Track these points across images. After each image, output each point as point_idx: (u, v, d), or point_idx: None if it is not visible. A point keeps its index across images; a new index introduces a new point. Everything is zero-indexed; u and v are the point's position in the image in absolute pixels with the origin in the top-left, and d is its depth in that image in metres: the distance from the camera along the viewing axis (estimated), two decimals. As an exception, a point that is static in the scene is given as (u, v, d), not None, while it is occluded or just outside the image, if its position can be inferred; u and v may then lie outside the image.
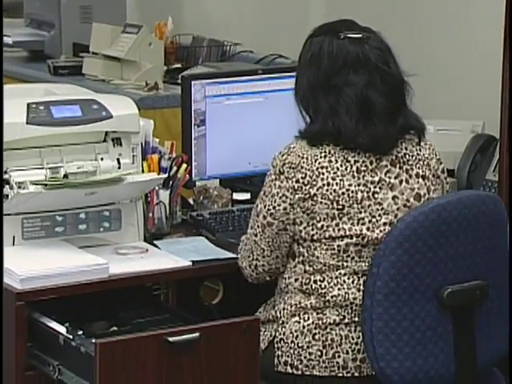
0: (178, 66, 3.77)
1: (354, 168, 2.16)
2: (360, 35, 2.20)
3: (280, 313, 2.21)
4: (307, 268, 2.18)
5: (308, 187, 2.15)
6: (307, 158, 2.16)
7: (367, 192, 2.16)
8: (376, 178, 2.17)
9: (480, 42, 3.11)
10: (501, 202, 2.24)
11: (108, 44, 3.69)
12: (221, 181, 2.77)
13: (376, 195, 2.17)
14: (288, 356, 2.18)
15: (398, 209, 2.18)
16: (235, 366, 2.11)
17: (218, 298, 2.47)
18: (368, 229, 2.16)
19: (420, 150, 2.23)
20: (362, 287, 2.16)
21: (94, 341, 2.06)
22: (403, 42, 3.48)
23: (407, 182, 2.20)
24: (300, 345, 2.17)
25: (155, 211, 2.54)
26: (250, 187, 2.78)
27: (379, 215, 2.17)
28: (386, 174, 2.18)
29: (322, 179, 2.15)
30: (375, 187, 2.17)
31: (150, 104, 3.41)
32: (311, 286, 2.18)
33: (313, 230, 2.16)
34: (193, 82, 2.71)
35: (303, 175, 2.16)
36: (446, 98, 3.29)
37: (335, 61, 2.17)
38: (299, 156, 2.16)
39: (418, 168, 2.21)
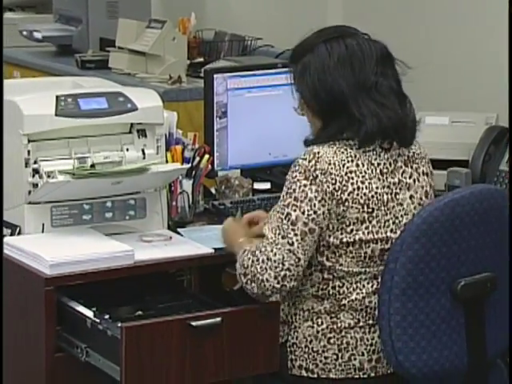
0: (201, 60, 3.76)
1: (378, 170, 2.13)
2: (367, 35, 2.17)
3: (291, 318, 2.16)
4: (326, 276, 2.13)
5: (339, 193, 2.09)
6: (335, 164, 2.09)
7: (390, 194, 2.13)
8: (396, 179, 2.15)
9: (495, 36, 3.09)
10: (507, 195, 2.22)
11: (133, 39, 3.69)
12: (242, 171, 2.77)
13: (397, 196, 2.14)
14: (302, 360, 2.14)
15: (414, 208, 2.16)
16: (256, 349, 2.11)
17: (239, 284, 2.46)
18: (391, 230, 2.13)
19: (420, 148, 2.22)
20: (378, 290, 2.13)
21: (119, 325, 2.07)
22: (419, 38, 3.47)
23: (418, 180, 2.18)
24: (315, 349, 2.13)
25: (178, 200, 2.54)
26: (270, 177, 2.77)
27: (401, 216, 2.14)
28: (402, 175, 2.16)
29: (352, 184, 2.09)
30: (396, 188, 2.14)
31: (173, 97, 3.41)
32: (328, 291, 2.13)
33: (342, 233, 2.10)
34: (215, 76, 2.71)
35: (334, 181, 2.08)
36: (460, 91, 3.27)
37: (370, 58, 2.12)
38: (326, 162, 2.09)
39: (423, 166, 2.20)
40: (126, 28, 3.73)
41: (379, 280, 2.13)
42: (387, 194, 2.13)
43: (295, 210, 2.08)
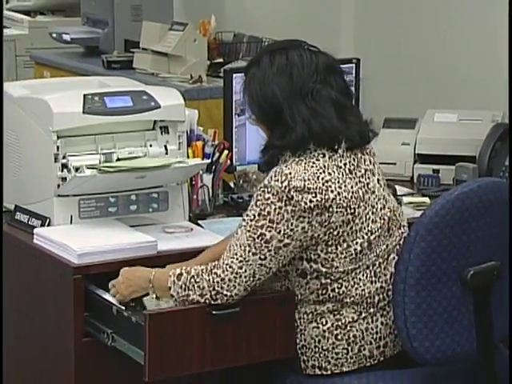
0: (220, 60, 3.75)
1: (347, 170, 2.08)
2: (316, 48, 2.14)
3: (295, 322, 2.11)
4: (323, 281, 2.08)
5: (323, 202, 2.03)
6: (309, 179, 2.03)
7: (363, 187, 2.09)
8: (362, 171, 2.11)
9: (503, 36, 3.06)
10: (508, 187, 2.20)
11: (156, 40, 3.68)
12: (259, 166, 2.75)
13: (369, 186, 2.10)
14: (314, 360, 2.10)
15: (383, 190, 2.13)
16: (273, 335, 2.10)
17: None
18: (372, 221, 2.09)
19: None
20: (373, 278, 2.10)
21: (144, 312, 2.06)
22: (429, 38, 3.44)
23: (375, 162, 2.16)
24: (324, 347, 2.09)
25: (199, 194, 2.53)
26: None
27: (376, 203, 2.11)
28: (365, 163, 2.12)
29: (332, 191, 2.04)
30: (365, 179, 2.10)
31: (194, 95, 3.40)
32: (328, 295, 2.08)
33: (328, 237, 2.05)
34: (234, 75, 2.69)
35: (313, 195, 2.02)
36: (468, 89, 3.24)
37: (309, 67, 2.08)
38: (301, 179, 2.02)
39: (370, 147, 2.17)
40: (149, 30, 3.72)
41: (371, 268, 2.10)
42: (361, 188, 2.09)
43: (270, 231, 2.02)
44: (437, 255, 2.09)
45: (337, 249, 2.07)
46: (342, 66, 2.20)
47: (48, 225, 2.34)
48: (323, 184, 2.05)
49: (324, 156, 2.08)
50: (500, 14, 3.10)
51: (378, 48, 3.59)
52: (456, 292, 2.12)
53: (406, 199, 2.63)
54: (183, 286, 2.06)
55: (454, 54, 3.31)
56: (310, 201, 2.03)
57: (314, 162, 2.07)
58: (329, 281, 2.09)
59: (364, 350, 2.12)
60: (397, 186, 2.62)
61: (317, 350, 2.11)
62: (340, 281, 2.09)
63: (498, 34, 3.11)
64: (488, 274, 2.14)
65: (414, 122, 2.95)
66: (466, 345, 2.14)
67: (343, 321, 2.10)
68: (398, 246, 2.14)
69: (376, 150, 2.22)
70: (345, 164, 2.09)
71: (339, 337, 2.10)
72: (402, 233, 2.16)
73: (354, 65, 2.83)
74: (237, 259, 2.04)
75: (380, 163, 2.21)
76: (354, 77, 2.79)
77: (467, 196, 2.11)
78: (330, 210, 2.05)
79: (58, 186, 2.34)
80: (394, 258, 2.13)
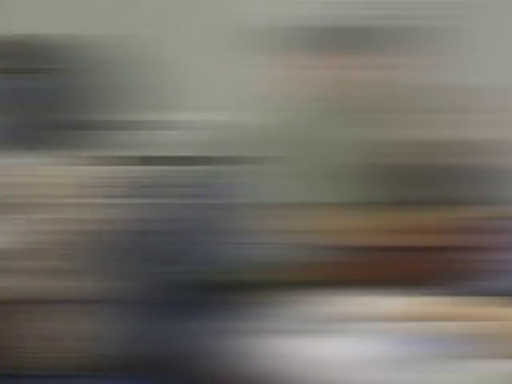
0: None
1: None
2: None
3: (15, 323, 1.90)
4: (47, 279, 1.85)
5: None
6: None
7: None
8: None
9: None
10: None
11: None
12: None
13: None
14: (38, 361, 1.90)
15: None
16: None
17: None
18: None
19: None
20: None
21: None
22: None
23: None
24: (48, 347, 1.90)
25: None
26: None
27: None
28: None
29: None
30: None
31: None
32: (51, 293, 1.87)
33: None
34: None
35: None
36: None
37: None
38: None
39: None
40: None
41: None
42: None
43: None
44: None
45: None
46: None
47: None
48: None
49: None
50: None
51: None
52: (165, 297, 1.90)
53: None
54: None
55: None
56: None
57: None
58: (50, 279, 1.91)
59: (91, 350, 1.96)
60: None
61: (42, 350, 1.92)
62: (59, 278, 1.92)
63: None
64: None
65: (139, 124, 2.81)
66: (175, 345, 1.92)
67: (66, 320, 1.93)
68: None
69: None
70: None
71: (63, 336, 1.94)
72: None
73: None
74: None
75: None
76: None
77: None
78: None
79: None
80: None
